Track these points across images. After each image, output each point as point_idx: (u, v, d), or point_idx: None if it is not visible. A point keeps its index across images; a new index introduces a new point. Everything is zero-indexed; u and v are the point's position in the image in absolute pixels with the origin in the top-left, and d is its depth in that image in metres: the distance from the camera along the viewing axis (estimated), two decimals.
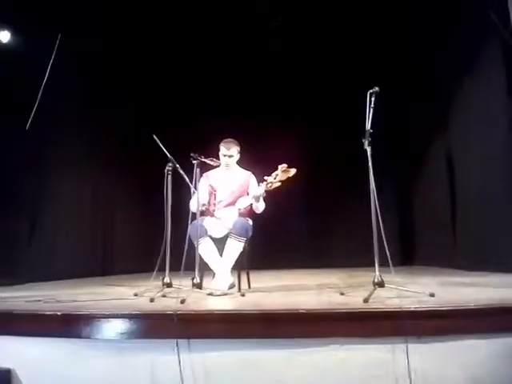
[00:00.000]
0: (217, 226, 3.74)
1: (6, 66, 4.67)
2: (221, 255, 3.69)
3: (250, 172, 4.03)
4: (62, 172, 5.62)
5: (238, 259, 3.69)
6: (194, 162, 3.49)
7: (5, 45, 4.78)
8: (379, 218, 2.92)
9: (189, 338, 2.52)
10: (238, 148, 3.97)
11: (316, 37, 6.49)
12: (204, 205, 3.80)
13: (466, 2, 4.90)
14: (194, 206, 3.71)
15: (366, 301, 2.66)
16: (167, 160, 3.59)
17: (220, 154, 3.92)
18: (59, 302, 3.07)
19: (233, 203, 3.87)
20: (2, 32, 4.78)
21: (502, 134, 4.44)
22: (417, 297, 2.80)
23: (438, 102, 5.78)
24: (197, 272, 3.38)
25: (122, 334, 2.60)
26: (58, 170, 5.55)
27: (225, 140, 3.95)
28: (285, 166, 3.66)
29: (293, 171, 3.70)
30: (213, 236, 3.72)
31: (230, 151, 3.90)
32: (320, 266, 6.32)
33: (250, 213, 3.90)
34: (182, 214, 3.72)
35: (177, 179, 3.60)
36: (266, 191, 3.71)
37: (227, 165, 3.92)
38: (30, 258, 4.95)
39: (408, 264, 6.39)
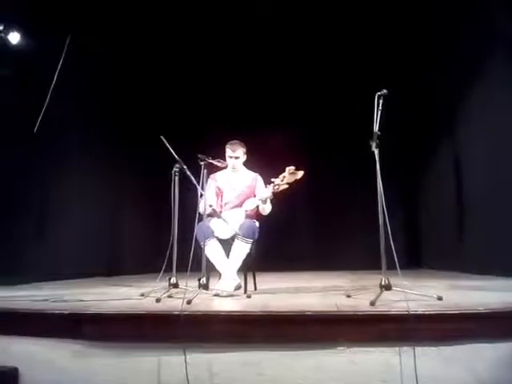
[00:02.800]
0: (223, 228, 3.74)
1: (13, 68, 4.70)
2: (227, 256, 3.69)
3: (257, 174, 4.03)
4: (68, 172, 5.63)
5: (244, 260, 3.69)
6: (202, 163, 3.49)
7: (14, 46, 4.80)
8: (386, 220, 2.91)
9: (195, 339, 2.52)
10: (244, 149, 3.97)
11: (319, 38, 6.47)
12: (211, 206, 3.81)
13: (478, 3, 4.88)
14: (202, 208, 3.72)
15: (372, 304, 2.65)
16: (174, 161, 3.60)
17: (226, 155, 3.93)
18: (65, 301, 3.08)
19: (239, 205, 3.87)
20: (12, 33, 4.81)
21: (510, 135, 4.41)
22: (424, 300, 2.78)
23: (444, 102, 5.76)
24: (203, 273, 3.38)
25: (127, 334, 2.60)
26: (64, 171, 5.57)
27: (231, 142, 3.96)
28: (292, 168, 3.65)
29: (300, 173, 3.68)
30: (219, 237, 3.72)
31: (235, 153, 3.91)
32: (326, 268, 6.29)
33: (257, 214, 3.90)
34: (188, 215, 3.71)
35: (184, 180, 3.61)
36: (272, 193, 3.71)
37: (234, 166, 3.93)
38: (35, 258, 4.96)
39: (415, 267, 6.36)
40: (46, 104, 4.82)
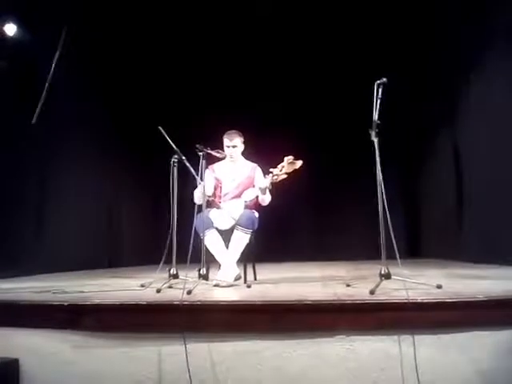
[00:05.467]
0: (223, 218, 3.73)
1: (10, 60, 4.66)
2: (227, 247, 3.69)
3: (255, 164, 4.01)
4: (67, 164, 5.62)
5: (243, 251, 3.69)
6: (200, 153, 3.47)
7: (11, 38, 4.76)
8: (386, 210, 2.91)
9: (195, 329, 2.53)
10: (242, 139, 3.96)
11: (319, 28, 6.44)
12: (210, 197, 3.80)
13: None
14: (197, 196, 3.71)
15: (372, 292, 2.66)
16: (173, 152, 3.58)
17: (224, 145, 3.92)
18: (66, 293, 3.08)
19: (239, 195, 3.87)
20: (8, 25, 4.76)
21: (509, 125, 4.40)
22: (424, 288, 2.79)
23: (444, 92, 5.74)
24: (203, 263, 3.38)
25: (128, 324, 2.61)
26: (63, 163, 5.56)
27: (228, 132, 3.94)
28: (291, 157, 3.65)
29: (299, 163, 3.68)
30: (219, 228, 3.72)
31: (233, 142, 3.89)
32: (326, 258, 6.31)
33: (256, 205, 3.90)
34: (188, 206, 3.72)
35: (183, 171, 3.60)
36: (271, 183, 3.70)
37: (232, 156, 3.92)
38: (35, 250, 4.97)
39: (415, 256, 6.36)
40: (43, 95, 4.79)
